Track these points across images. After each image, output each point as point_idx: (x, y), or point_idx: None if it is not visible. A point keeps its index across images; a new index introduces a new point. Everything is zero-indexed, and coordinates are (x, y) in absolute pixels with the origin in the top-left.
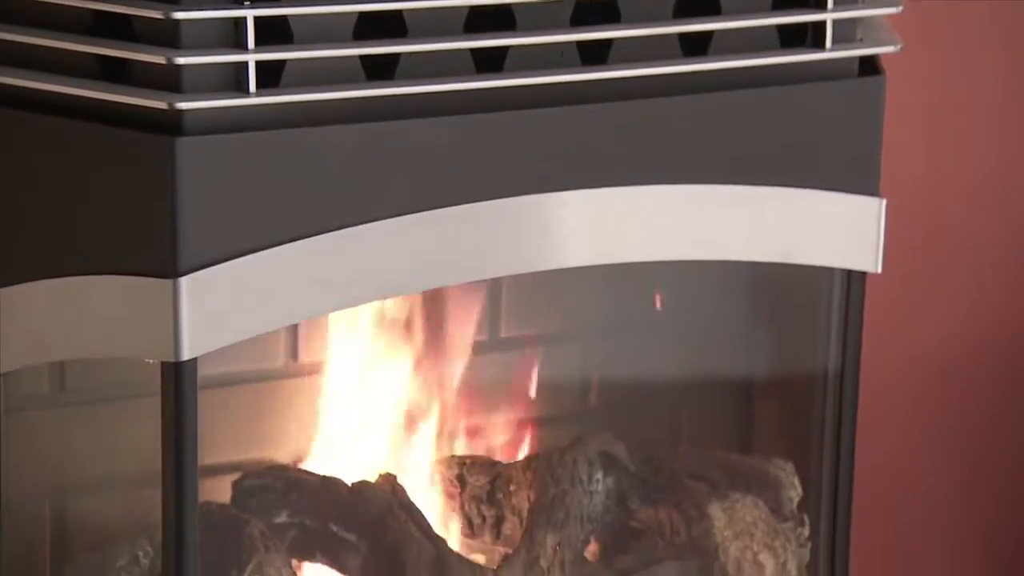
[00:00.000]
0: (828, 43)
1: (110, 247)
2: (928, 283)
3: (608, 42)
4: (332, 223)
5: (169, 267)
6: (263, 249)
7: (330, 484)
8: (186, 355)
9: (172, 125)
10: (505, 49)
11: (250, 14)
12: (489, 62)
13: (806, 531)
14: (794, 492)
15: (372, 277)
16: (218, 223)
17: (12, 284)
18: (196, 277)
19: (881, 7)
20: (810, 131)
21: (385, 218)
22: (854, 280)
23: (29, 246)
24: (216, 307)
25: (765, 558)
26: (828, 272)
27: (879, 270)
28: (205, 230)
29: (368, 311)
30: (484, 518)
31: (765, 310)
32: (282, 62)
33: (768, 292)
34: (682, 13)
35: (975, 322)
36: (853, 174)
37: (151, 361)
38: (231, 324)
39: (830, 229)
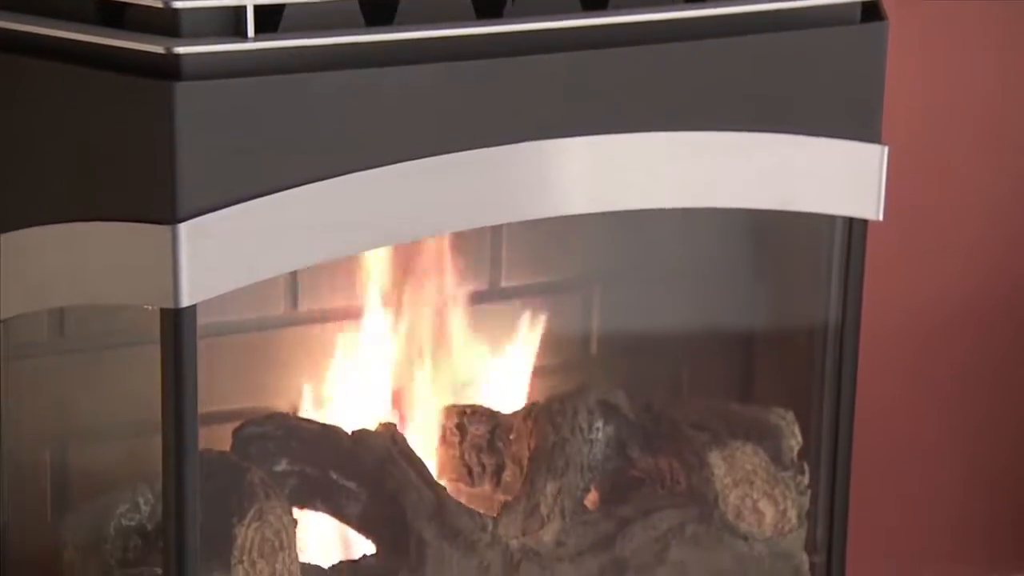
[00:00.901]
0: None
1: (109, 193)
2: (929, 232)
3: None
4: (332, 170)
5: (168, 213)
6: (262, 196)
7: (330, 432)
8: (185, 301)
9: (170, 70)
10: None
11: None
12: (490, 8)
13: (806, 479)
14: (794, 441)
15: (372, 224)
16: (217, 169)
17: (11, 230)
18: (195, 223)
19: None
20: (812, 77)
21: (385, 165)
22: (855, 227)
23: (28, 192)
24: (215, 254)
25: (765, 506)
26: (829, 220)
27: (881, 217)
28: (204, 176)
29: (368, 258)
30: (484, 467)
31: (767, 260)
32: (280, 6)
33: (770, 242)
34: None
35: (977, 271)
36: (855, 120)
37: (150, 308)
38: (231, 271)
39: (831, 176)
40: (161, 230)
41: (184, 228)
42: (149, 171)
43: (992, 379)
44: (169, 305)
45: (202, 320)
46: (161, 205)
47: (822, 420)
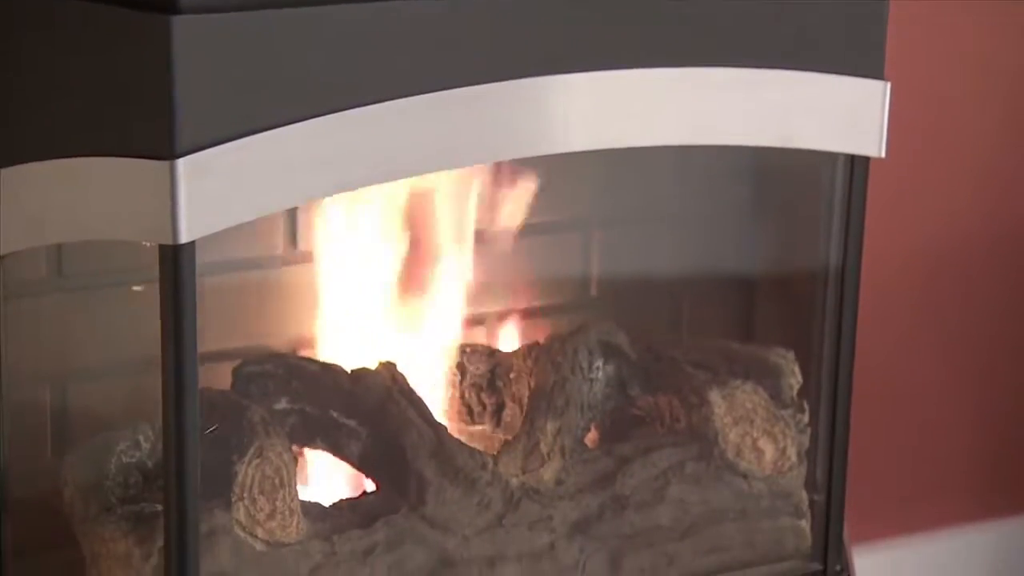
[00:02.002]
0: None
1: (108, 128)
2: (930, 170)
3: None
4: (331, 105)
5: (166, 148)
6: (261, 131)
7: (330, 371)
8: (184, 238)
9: (168, 3)
10: None
11: None
12: None
13: (806, 417)
14: (794, 379)
15: (371, 160)
16: (216, 104)
17: (9, 165)
18: (194, 159)
19: None
20: (814, 13)
21: (385, 100)
22: (857, 165)
23: (26, 127)
24: (214, 190)
25: (765, 444)
26: (831, 159)
27: (883, 154)
28: (202, 111)
29: (367, 196)
30: (484, 406)
31: (768, 200)
32: None
33: (772, 181)
34: None
35: (979, 209)
36: (857, 56)
37: (149, 244)
38: (229, 207)
39: (833, 113)
40: (159, 166)
41: (182, 164)
42: (147, 106)
43: (995, 318)
44: (168, 241)
45: (202, 259)
46: (159, 140)
47: (823, 359)
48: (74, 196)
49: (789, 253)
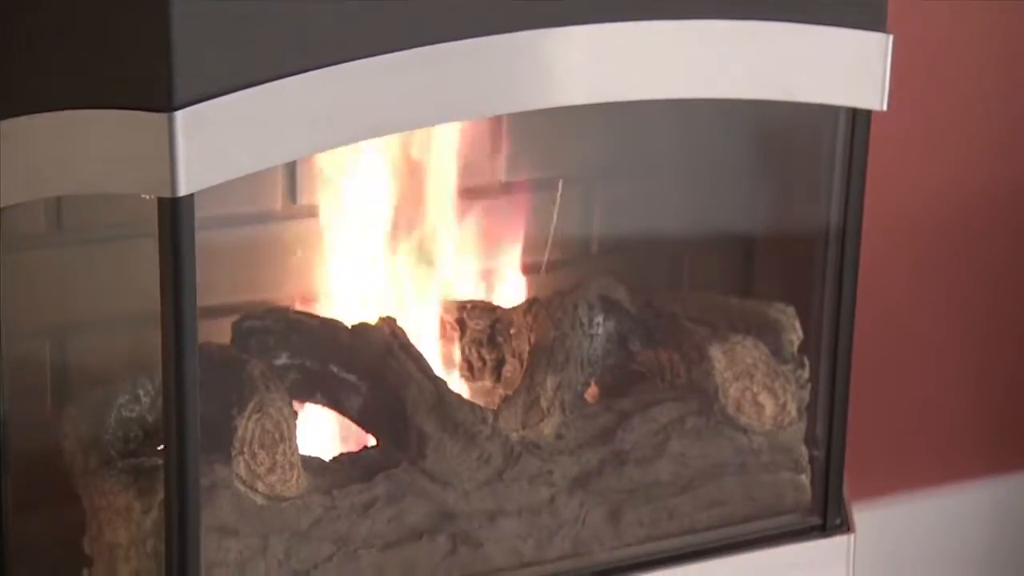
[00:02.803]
0: None
1: (107, 81)
2: (932, 126)
3: None
4: (330, 57)
5: (165, 101)
6: (260, 84)
7: (330, 326)
8: (183, 190)
9: None
10: None
11: None
12: None
13: (806, 373)
14: (795, 335)
15: (370, 113)
16: (214, 56)
17: (8, 117)
18: (192, 111)
19: None
20: None
21: (385, 53)
22: (859, 118)
23: (25, 79)
24: (213, 142)
25: (765, 399)
26: (833, 114)
27: (885, 107)
28: (201, 63)
29: (367, 150)
30: (484, 361)
31: (769, 155)
32: None
33: (772, 136)
34: None
35: (982, 165)
36: (860, 9)
37: (148, 197)
38: (228, 160)
39: (836, 66)
40: (158, 118)
41: (181, 116)
42: (146, 58)
43: (997, 274)
44: (166, 194)
45: (201, 213)
46: (158, 93)
47: (823, 314)
48: (73, 149)
49: (790, 208)
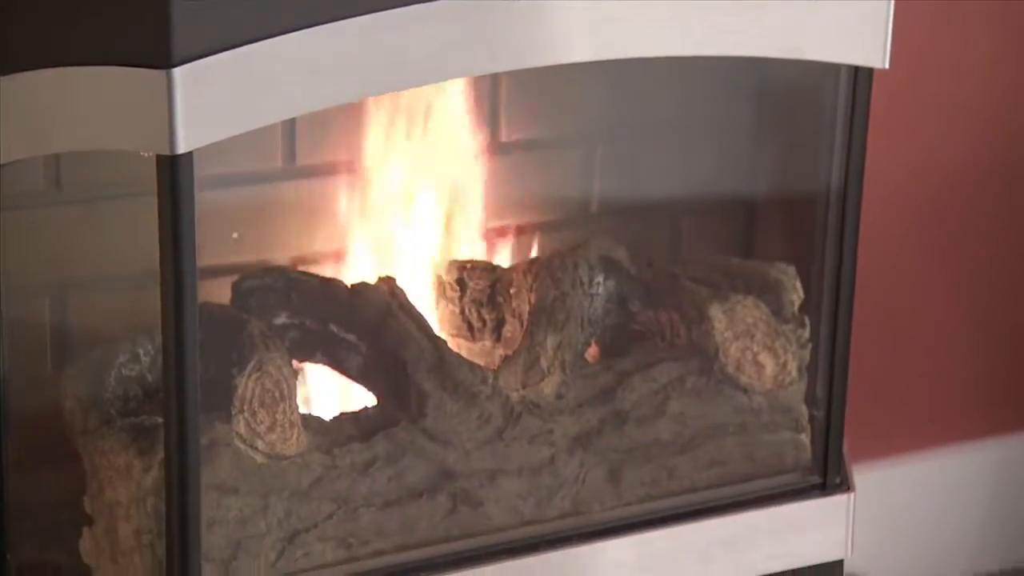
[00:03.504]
0: None
1: (105, 37)
2: (934, 86)
3: None
4: (330, 14)
5: (164, 58)
6: (259, 40)
7: (330, 286)
8: (181, 148)
9: None
10: None
11: None
12: None
13: (807, 332)
14: (795, 295)
15: (370, 71)
16: (213, 13)
17: (6, 74)
18: (191, 68)
19: None
20: None
21: (384, 10)
22: (860, 77)
23: (23, 36)
24: (211, 99)
25: (765, 358)
26: (834, 73)
27: (886, 66)
28: (200, 20)
29: (366, 110)
30: (484, 321)
31: (771, 115)
32: None
33: (775, 97)
34: None
35: (984, 125)
36: None
37: (147, 155)
38: (227, 117)
39: (837, 24)
40: (156, 75)
41: (179, 73)
42: (145, 15)
43: (999, 234)
44: (165, 151)
45: (201, 173)
46: (156, 49)
47: (824, 274)
48: (72, 106)
49: (792, 168)
